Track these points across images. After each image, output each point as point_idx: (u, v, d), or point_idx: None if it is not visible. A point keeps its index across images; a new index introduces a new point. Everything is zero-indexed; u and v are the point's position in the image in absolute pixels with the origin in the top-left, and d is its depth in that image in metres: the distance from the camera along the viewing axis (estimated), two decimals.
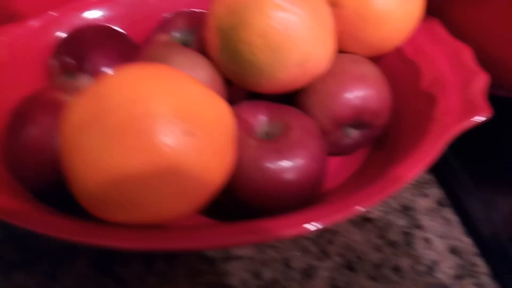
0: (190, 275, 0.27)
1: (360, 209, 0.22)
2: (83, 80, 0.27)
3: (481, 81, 0.29)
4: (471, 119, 0.27)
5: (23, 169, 0.26)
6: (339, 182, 0.32)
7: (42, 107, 0.25)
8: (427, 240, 0.30)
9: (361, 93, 0.29)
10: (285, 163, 0.25)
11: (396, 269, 0.28)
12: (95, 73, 0.29)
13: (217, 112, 0.22)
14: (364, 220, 0.31)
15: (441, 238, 0.30)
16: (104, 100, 0.19)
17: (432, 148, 0.26)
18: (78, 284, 0.26)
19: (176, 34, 0.33)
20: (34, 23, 0.33)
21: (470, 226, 0.31)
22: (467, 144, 0.31)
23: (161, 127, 0.19)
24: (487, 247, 0.30)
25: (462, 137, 0.27)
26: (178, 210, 0.21)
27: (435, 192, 0.33)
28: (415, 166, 0.25)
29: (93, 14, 0.36)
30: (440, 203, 0.32)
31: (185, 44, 0.33)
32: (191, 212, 0.22)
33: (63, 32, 0.34)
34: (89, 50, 0.29)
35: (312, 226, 0.21)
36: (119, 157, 0.18)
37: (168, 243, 0.20)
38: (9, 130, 0.26)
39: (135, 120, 0.19)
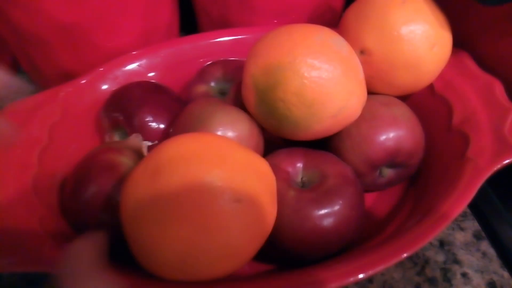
0: None
1: (406, 255, 0.24)
2: (134, 140, 0.29)
3: None
4: (505, 161, 0.27)
5: (84, 223, 0.28)
6: (375, 217, 0.33)
7: (99, 169, 0.27)
8: (465, 275, 0.31)
9: (394, 135, 0.30)
10: (324, 212, 0.26)
11: None
12: (143, 128, 0.32)
13: (259, 176, 0.23)
14: None
15: (479, 272, 0.31)
16: (159, 175, 0.21)
17: (468, 193, 0.27)
18: None
19: (214, 84, 0.36)
20: (82, 80, 0.36)
21: (507, 259, 0.31)
22: (501, 174, 0.31)
23: (213, 198, 0.21)
24: None
25: None
26: (227, 267, 0.23)
27: (471, 224, 0.34)
28: (452, 213, 0.26)
29: (134, 66, 0.39)
30: (477, 236, 0.33)
31: (222, 92, 0.36)
32: (241, 267, 0.24)
33: (109, 86, 0.37)
34: (136, 108, 0.32)
35: (363, 275, 0.23)
36: (177, 228, 0.20)
37: None
38: (71, 190, 0.28)
39: (188, 194, 0.21)
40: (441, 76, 0.35)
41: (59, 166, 0.32)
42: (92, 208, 0.27)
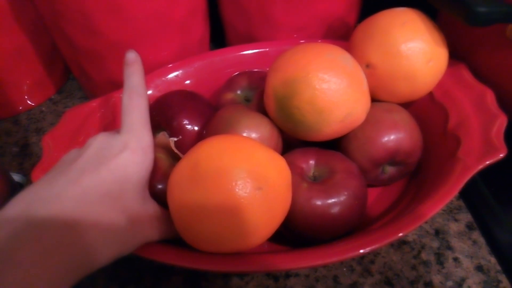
0: None
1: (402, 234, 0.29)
2: (161, 137, 0.36)
3: (500, 123, 0.34)
4: (488, 161, 0.32)
5: None
6: (379, 209, 0.38)
7: None
8: (456, 259, 0.35)
9: (394, 137, 0.35)
10: (331, 201, 0.32)
11: (429, 285, 0.34)
12: (181, 130, 0.38)
13: (277, 170, 0.29)
14: (401, 243, 0.37)
15: (469, 257, 0.35)
16: (199, 167, 0.27)
17: (455, 186, 0.31)
18: None
19: (240, 92, 0.41)
20: None
21: (495, 246, 0.36)
22: (493, 171, 0.35)
23: (240, 185, 0.27)
24: (510, 265, 0.34)
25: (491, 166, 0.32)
26: (249, 242, 0.28)
27: (465, 216, 0.38)
28: (441, 202, 0.31)
29: (172, 75, 0.45)
30: (469, 227, 0.37)
31: (247, 99, 0.41)
32: (260, 243, 0.29)
33: (152, 92, 0.43)
34: (175, 113, 0.38)
35: (363, 250, 0.28)
36: (211, 210, 0.26)
37: (242, 266, 0.28)
38: None
39: (221, 182, 0.26)
40: (440, 85, 0.39)
41: None
42: None
